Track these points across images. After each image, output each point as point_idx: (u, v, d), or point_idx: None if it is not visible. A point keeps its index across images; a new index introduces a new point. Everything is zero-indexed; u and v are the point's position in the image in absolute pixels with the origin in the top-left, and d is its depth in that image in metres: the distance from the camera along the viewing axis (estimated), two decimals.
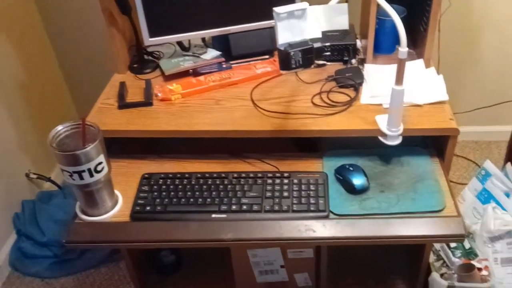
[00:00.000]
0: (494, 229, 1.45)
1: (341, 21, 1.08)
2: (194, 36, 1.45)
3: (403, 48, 1.02)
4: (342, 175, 1.18)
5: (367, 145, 1.24)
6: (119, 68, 1.47)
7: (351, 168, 1.19)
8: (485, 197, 1.59)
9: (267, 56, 1.47)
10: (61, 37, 2.03)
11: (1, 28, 1.76)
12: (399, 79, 1.08)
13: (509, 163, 1.65)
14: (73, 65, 2.10)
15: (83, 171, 1.04)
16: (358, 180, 1.16)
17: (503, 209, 1.50)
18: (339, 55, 1.43)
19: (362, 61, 1.42)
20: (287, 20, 1.02)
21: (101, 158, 1.06)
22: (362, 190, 1.16)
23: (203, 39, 1.52)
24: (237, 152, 1.29)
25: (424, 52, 1.37)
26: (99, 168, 1.06)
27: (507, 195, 1.53)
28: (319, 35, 1.07)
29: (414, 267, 1.45)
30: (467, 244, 1.50)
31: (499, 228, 1.44)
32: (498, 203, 1.53)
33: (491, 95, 2.09)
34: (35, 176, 1.91)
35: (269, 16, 1.01)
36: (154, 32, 1.39)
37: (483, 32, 1.94)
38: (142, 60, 1.50)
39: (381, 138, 1.18)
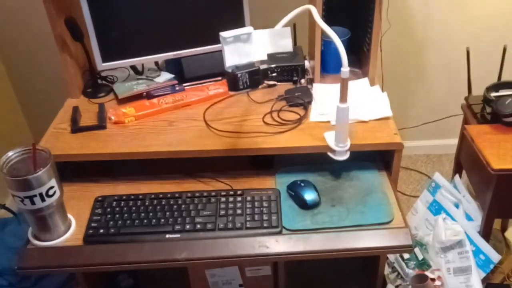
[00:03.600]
0: (445, 239, 1.49)
1: (285, 44, 1.12)
2: (147, 60, 1.47)
3: (345, 68, 1.08)
4: (294, 191, 1.21)
5: (318, 161, 1.29)
6: (73, 93, 1.48)
7: (302, 184, 1.22)
8: (436, 208, 1.64)
9: (219, 78, 1.51)
10: (16, 62, 2.01)
11: None
12: (343, 97, 1.13)
13: (457, 175, 1.72)
14: (28, 91, 2.08)
15: (35, 195, 1.03)
16: (309, 196, 1.19)
17: (453, 219, 1.55)
18: (288, 76, 1.48)
19: (311, 81, 1.47)
20: (234, 44, 1.05)
21: (53, 182, 1.06)
22: (313, 205, 1.19)
23: (156, 63, 1.54)
24: (191, 172, 1.31)
25: (368, 71, 1.43)
26: (50, 192, 1.06)
27: (456, 205, 1.60)
28: (265, 57, 1.11)
29: (370, 280, 1.48)
30: (420, 255, 1.54)
31: (450, 239, 1.49)
32: (448, 214, 1.58)
33: (437, 110, 2.19)
34: None
35: (219, 40, 1.04)
36: (107, 57, 1.41)
37: (424, 51, 2.04)
38: (95, 85, 1.51)
39: (330, 154, 1.23)
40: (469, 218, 1.57)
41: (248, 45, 1.07)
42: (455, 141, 1.77)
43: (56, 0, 1.34)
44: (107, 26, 1.37)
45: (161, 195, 1.21)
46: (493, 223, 1.48)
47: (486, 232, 1.48)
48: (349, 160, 1.22)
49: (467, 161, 1.64)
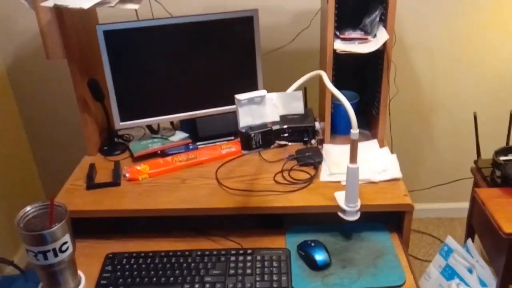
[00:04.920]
0: None
1: (297, 107, 1.17)
2: (162, 120, 1.53)
3: (354, 130, 1.11)
4: (304, 251, 1.21)
5: (328, 221, 1.29)
6: (90, 150, 1.52)
7: (313, 244, 1.21)
8: (449, 273, 1.61)
9: (231, 138, 1.55)
10: (34, 121, 2.09)
11: None
12: (353, 158, 1.15)
13: (469, 239, 1.70)
14: (44, 148, 2.15)
15: (48, 251, 1.04)
16: (320, 256, 1.18)
17: (467, 284, 1.52)
18: (299, 136, 1.52)
19: (321, 142, 1.51)
20: (248, 106, 1.10)
21: (67, 237, 1.07)
22: (324, 266, 1.17)
23: (172, 122, 1.60)
24: (201, 230, 1.31)
25: (377, 133, 1.47)
26: (64, 248, 1.07)
27: (470, 270, 1.56)
28: (278, 119, 1.15)
29: None
30: None
31: None
32: (462, 279, 1.54)
33: (446, 172, 2.20)
34: None
35: (233, 101, 1.09)
36: (125, 117, 1.47)
37: (432, 114, 2.09)
38: (112, 143, 1.56)
39: (340, 214, 1.23)
40: (483, 283, 1.53)
41: (261, 107, 1.11)
42: (466, 204, 1.76)
43: (81, 62, 1.42)
44: (127, 88, 1.44)
45: (171, 253, 1.21)
46: None
47: None
48: (359, 221, 1.21)
49: (479, 225, 1.62)
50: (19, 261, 1.96)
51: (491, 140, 1.75)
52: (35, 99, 2.04)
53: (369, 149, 1.44)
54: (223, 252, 1.21)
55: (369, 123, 1.57)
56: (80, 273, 1.17)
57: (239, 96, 1.08)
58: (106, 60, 1.39)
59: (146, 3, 1.36)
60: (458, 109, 2.06)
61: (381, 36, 1.33)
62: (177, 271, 1.16)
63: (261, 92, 1.11)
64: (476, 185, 1.63)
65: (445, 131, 2.12)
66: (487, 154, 1.63)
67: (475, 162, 1.67)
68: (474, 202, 1.62)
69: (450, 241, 1.66)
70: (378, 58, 1.40)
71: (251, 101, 1.09)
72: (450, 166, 2.19)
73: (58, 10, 1.29)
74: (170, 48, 1.43)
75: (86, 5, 1.17)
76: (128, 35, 1.39)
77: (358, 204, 1.21)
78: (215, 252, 1.20)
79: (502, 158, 1.56)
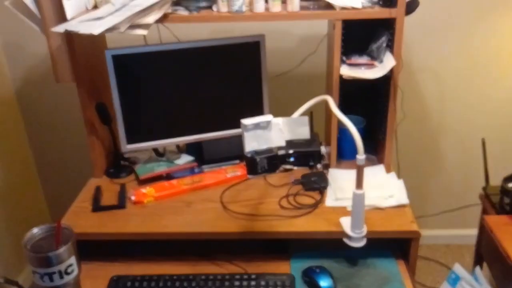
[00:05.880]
0: None
1: (303, 132, 1.17)
2: (168, 143, 1.54)
3: (361, 156, 1.11)
4: (309, 277, 1.19)
5: (333, 246, 1.27)
6: (96, 173, 1.53)
7: (318, 270, 1.21)
8: None
9: (237, 161, 1.55)
10: (41, 142, 2.11)
11: None
12: (359, 184, 1.15)
13: (478, 267, 1.67)
14: (50, 169, 2.17)
15: (54, 273, 1.05)
16: (325, 282, 1.17)
17: None
18: (305, 160, 1.51)
19: (327, 166, 1.51)
20: (253, 131, 1.10)
21: (72, 260, 1.08)
22: None
23: (177, 146, 1.60)
24: (206, 253, 1.30)
25: (384, 158, 1.47)
26: (69, 270, 1.07)
27: None
28: (283, 144, 1.15)
29: None
30: None
31: None
32: None
33: (454, 198, 2.18)
34: (2, 280, 1.86)
35: (238, 125, 1.09)
36: (131, 139, 1.48)
37: (439, 140, 2.08)
38: (118, 165, 1.57)
39: (346, 240, 1.22)
40: None
41: (267, 132, 1.12)
42: (475, 231, 1.74)
43: (89, 86, 1.44)
44: (134, 111, 1.46)
45: (175, 277, 1.20)
46: None
47: None
48: (365, 247, 1.20)
49: (487, 252, 1.60)
50: (23, 281, 1.95)
51: (500, 165, 1.74)
52: (42, 120, 2.06)
53: (375, 175, 1.44)
54: (227, 277, 1.20)
55: (376, 147, 1.57)
56: None
57: (245, 121, 1.09)
58: (114, 84, 1.41)
59: (154, 28, 1.38)
60: (466, 135, 2.05)
61: (388, 62, 1.34)
62: None
63: (267, 117, 1.11)
64: (484, 212, 1.62)
65: (453, 157, 2.11)
66: (496, 179, 1.61)
67: (484, 188, 1.66)
68: (483, 229, 1.60)
69: (457, 268, 1.64)
70: (385, 83, 1.41)
71: (257, 126, 1.10)
72: (458, 192, 2.17)
73: (69, 35, 1.32)
74: (177, 73, 1.45)
75: (96, 31, 1.19)
76: (136, 59, 1.41)
77: (364, 230, 1.20)
78: (219, 277, 1.20)
79: (511, 185, 1.55)
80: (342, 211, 1.30)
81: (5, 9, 1.33)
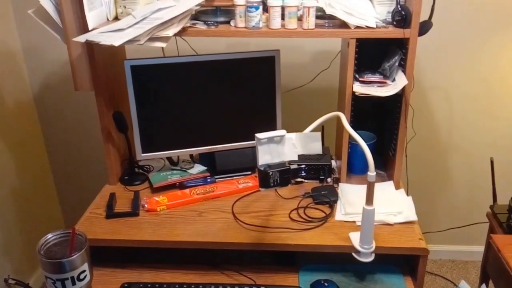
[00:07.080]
0: None
1: (315, 147, 1.19)
2: (182, 153, 1.57)
3: (371, 173, 1.13)
4: None
5: (342, 260, 1.29)
6: (111, 180, 1.56)
7: (326, 284, 1.22)
8: None
9: (249, 172, 1.58)
10: (57, 148, 2.15)
11: (1, 136, 1.87)
12: (369, 200, 1.17)
13: (483, 285, 1.68)
14: (65, 174, 2.20)
15: (67, 279, 1.07)
16: None
17: None
18: (315, 174, 1.54)
19: (337, 180, 1.53)
20: (267, 145, 1.12)
21: (85, 266, 1.10)
22: None
23: (191, 155, 1.63)
24: (216, 263, 1.33)
25: (393, 175, 1.48)
26: (82, 276, 1.09)
27: None
28: (296, 158, 1.17)
29: None
30: None
31: None
32: None
33: (462, 216, 2.18)
34: (13, 282, 1.89)
35: (251, 137, 1.12)
36: (146, 148, 1.51)
37: (448, 158, 2.09)
38: (132, 173, 1.59)
39: (354, 255, 1.24)
40: None
41: (280, 146, 1.14)
42: (481, 248, 1.75)
43: (107, 95, 1.48)
44: (150, 121, 1.49)
45: (185, 286, 1.22)
46: None
47: None
48: (373, 262, 1.22)
49: (493, 271, 1.60)
50: (34, 283, 1.98)
51: (508, 184, 1.75)
52: (59, 127, 2.10)
53: (384, 191, 1.45)
54: (236, 287, 1.21)
55: (386, 163, 1.58)
56: None
57: (259, 135, 1.11)
58: (131, 94, 1.44)
59: (172, 40, 1.42)
60: (475, 153, 2.06)
61: (400, 80, 1.36)
62: None
63: (281, 132, 1.13)
64: (491, 230, 1.62)
65: (462, 175, 2.12)
66: (504, 197, 1.62)
67: (491, 207, 1.67)
68: (490, 248, 1.60)
69: (464, 285, 1.64)
70: (396, 101, 1.43)
71: (270, 140, 1.12)
72: (466, 209, 2.18)
73: (89, 45, 1.35)
74: (193, 84, 1.48)
75: (117, 43, 1.23)
76: (154, 70, 1.44)
77: (373, 245, 1.21)
78: (228, 287, 1.21)
79: None
80: (351, 225, 1.32)
81: (25, 15, 1.36)
